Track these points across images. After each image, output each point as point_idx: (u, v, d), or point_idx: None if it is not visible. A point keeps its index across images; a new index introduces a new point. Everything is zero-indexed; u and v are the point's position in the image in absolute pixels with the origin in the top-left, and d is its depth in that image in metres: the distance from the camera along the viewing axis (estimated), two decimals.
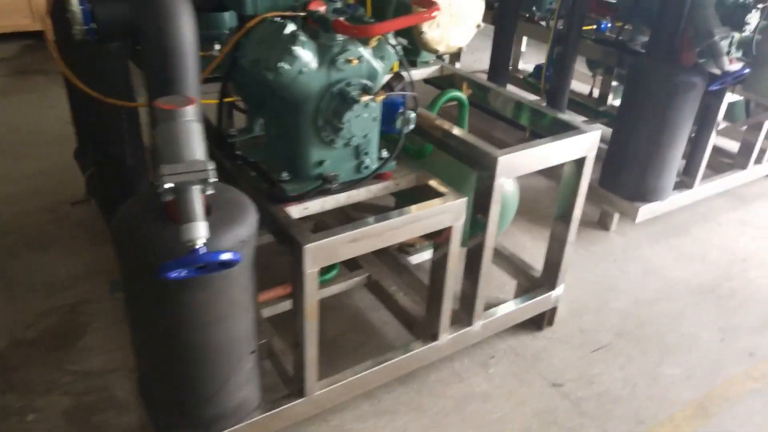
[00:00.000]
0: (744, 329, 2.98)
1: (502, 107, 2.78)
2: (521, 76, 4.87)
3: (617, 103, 4.05)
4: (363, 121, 2.04)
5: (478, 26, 2.75)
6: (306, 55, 1.87)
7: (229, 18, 2.36)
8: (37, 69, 5.40)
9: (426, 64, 2.96)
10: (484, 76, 4.16)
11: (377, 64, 2.02)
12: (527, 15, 4.46)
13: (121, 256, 1.77)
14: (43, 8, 2.12)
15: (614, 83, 4.50)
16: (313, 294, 1.97)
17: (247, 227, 1.73)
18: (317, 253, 1.90)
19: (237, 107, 2.71)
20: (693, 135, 3.55)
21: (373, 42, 2.00)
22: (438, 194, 2.19)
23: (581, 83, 4.80)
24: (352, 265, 2.90)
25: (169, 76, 1.71)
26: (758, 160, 4.00)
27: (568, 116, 2.68)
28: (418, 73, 2.93)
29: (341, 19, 1.90)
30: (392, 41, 2.06)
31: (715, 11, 3.21)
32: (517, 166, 2.29)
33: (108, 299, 2.84)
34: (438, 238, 2.27)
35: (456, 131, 2.37)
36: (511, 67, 4.72)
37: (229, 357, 1.87)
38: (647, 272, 3.34)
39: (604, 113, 4.41)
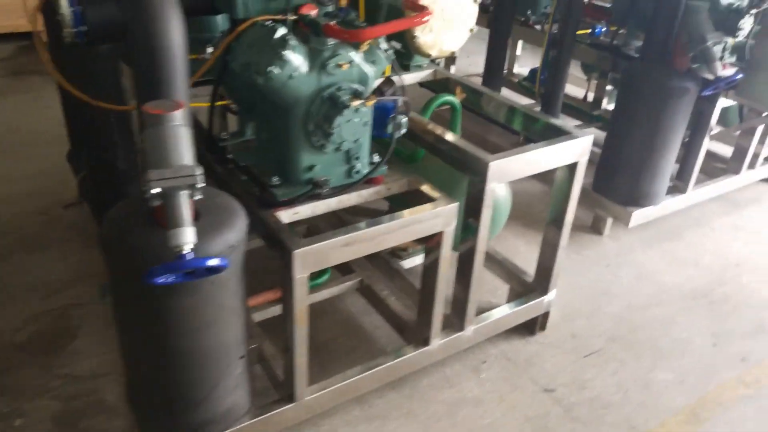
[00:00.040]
0: (737, 334, 2.98)
1: (495, 112, 2.78)
2: (516, 80, 4.87)
3: (611, 107, 4.05)
4: (354, 126, 2.03)
5: (471, 30, 2.75)
6: (296, 59, 1.87)
7: (221, 21, 2.36)
8: (33, 69, 5.38)
9: (419, 68, 2.96)
10: (480, 80, 4.17)
11: (368, 69, 2.01)
12: (522, 19, 4.47)
13: (109, 261, 1.76)
14: (35, 7, 2.10)
15: (609, 87, 4.51)
16: (302, 299, 1.96)
17: (236, 232, 1.72)
18: (307, 259, 1.90)
19: (230, 110, 2.70)
20: (686, 140, 3.56)
21: (365, 46, 1.99)
22: (429, 199, 2.19)
23: (576, 87, 4.80)
24: (344, 269, 2.89)
25: (157, 77, 1.69)
26: (751, 165, 4.00)
27: (561, 121, 2.68)
28: (411, 77, 2.92)
29: (332, 23, 1.90)
30: (384, 45, 2.06)
31: (708, 16, 3.22)
32: (508, 171, 2.28)
33: (98, 303, 2.82)
34: (429, 243, 2.27)
35: (448, 136, 2.36)
36: (506, 71, 4.73)
37: (218, 362, 1.86)
38: (640, 277, 3.34)
39: (598, 117, 4.42)
